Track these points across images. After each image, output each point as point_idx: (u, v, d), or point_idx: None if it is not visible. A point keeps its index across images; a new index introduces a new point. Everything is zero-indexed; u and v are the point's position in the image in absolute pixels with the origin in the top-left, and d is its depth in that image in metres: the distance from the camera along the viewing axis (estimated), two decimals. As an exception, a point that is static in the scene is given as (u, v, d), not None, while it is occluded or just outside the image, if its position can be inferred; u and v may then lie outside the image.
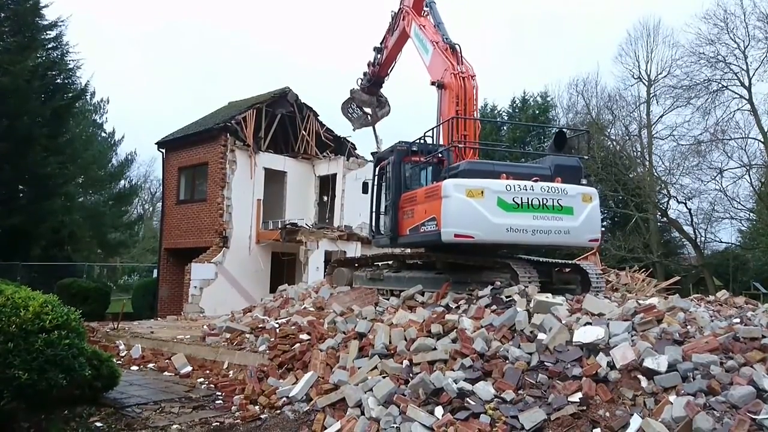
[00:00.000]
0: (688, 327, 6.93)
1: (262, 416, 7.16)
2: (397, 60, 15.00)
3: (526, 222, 9.31)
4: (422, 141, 11.29)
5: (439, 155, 10.81)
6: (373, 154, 13.24)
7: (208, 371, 9.79)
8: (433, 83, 11.58)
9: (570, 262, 12.62)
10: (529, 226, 9.33)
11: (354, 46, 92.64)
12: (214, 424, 6.96)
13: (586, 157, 10.78)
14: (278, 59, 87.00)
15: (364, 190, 12.33)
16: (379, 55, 15.03)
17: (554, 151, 10.57)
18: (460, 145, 10.64)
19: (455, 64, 11.22)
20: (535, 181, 9.57)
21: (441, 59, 11.47)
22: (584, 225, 9.59)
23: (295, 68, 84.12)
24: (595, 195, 9.88)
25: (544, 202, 9.40)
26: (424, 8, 12.94)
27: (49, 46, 23.93)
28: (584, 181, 10.13)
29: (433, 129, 11.25)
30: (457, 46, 11.62)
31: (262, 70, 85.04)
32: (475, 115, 11.10)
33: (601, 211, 11.87)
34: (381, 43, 14.93)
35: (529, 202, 9.34)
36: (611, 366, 6.16)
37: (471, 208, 9.15)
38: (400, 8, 13.66)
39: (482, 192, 9.21)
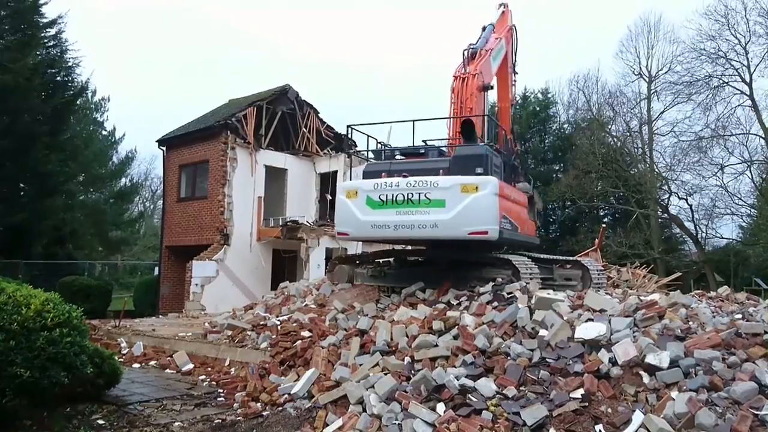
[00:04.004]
0: (690, 323, 6.93)
1: (264, 413, 7.18)
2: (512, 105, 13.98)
3: (389, 218, 9.52)
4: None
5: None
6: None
7: (209, 368, 9.80)
8: None
9: (571, 258, 12.64)
10: (392, 222, 9.50)
11: (354, 42, 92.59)
12: (215, 421, 6.97)
13: (489, 144, 10.15)
14: (277, 53, 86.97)
15: None
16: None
17: (463, 141, 10.29)
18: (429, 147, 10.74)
19: (463, 67, 11.31)
20: (404, 176, 9.60)
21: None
22: (460, 217, 9.09)
23: (294, 62, 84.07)
24: (485, 184, 9.18)
25: (409, 197, 9.41)
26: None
27: (49, 43, 23.88)
28: (479, 170, 9.46)
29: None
30: (479, 50, 11.68)
31: (261, 65, 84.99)
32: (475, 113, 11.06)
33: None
34: None
35: (393, 199, 9.50)
36: (613, 362, 6.17)
37: (347, 207, 9.93)
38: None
39: (356, 192, 9.87)
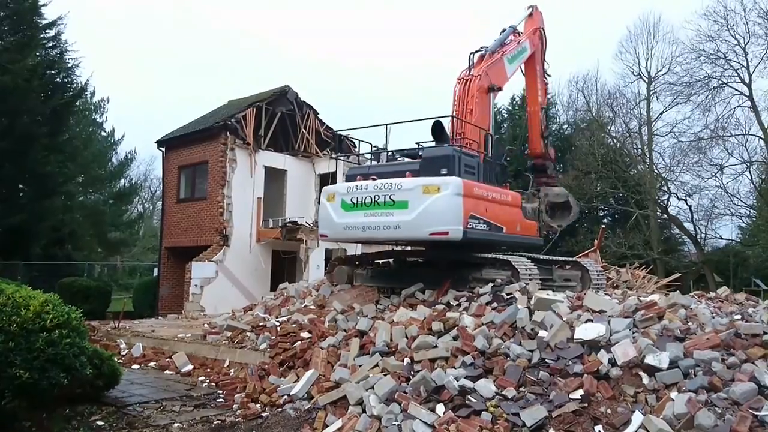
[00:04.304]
0: (690, 324, 6.93)
1: (264, 414, 7.17)
2: (543, 128, 13.44)
3: (358, 220, 9.87)
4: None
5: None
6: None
7: (209, 370, 9.80)
8: None
9: (570, 259, 12.63)
10: (360, 224, 9.85)
11: (354, 43, 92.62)
12: (215, 423, 6.97)
13: (456, 146, 10.10)
14: (277, 54, 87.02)
15: None
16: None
17: (435, 142, 10.39)
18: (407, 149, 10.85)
19: (468, 69, 11.34)
20: (373, 179, 9.90)
21: None
22: (422, 218, 9.20)
23: (294, 62, 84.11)
24: (446, 185, 9.17)
25: (376, 199, 9.68)
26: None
27: (48, 44, 23.88)
28: (444, 171, 9.48)
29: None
30: (490, 52, 11.72)
31: (260, 65, 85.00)
32: (472, 116, 11.04)
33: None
34: None
35: (362, 201, 9.83)
36: (612, 363, 6.17)
37: (327, 210, 10.39)
38: None
39: (333, 196, 10.28)
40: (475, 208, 9.46)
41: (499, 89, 11.77)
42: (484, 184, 10.21)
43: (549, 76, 14.03)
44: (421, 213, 9.20)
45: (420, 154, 10.58)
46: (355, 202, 9.95)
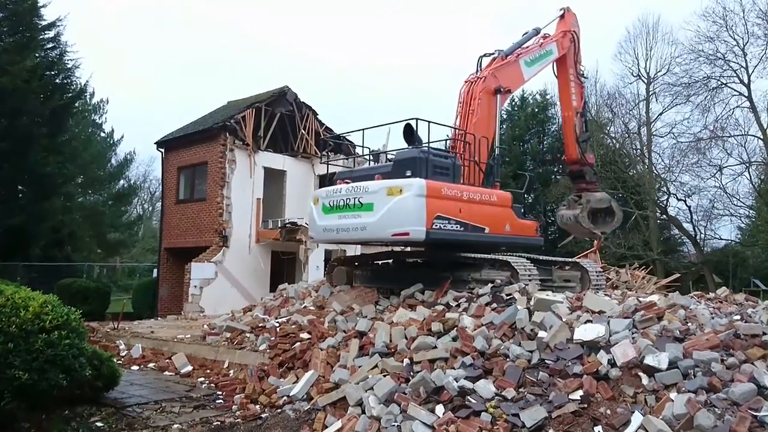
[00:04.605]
0: (689, 324, 6.93)
1: (263, 415, 7.17)
2: (579, 133, 13.16)
3: (334, 222, 10.24)
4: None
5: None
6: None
7: (208, 370, 9.79)
8: None
9: (570, 259, 12.62)
10: (335, 226, 10.22)
11: (354, 44, 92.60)
12: (214, 424, 6.97)
13: (424, 147, 10.19)
14: (277, 54, 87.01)
15: None
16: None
17: (407, 144, 10.50)
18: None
19: (476, 72, 11.34)
20: (346, 182, 10.20)
21: None
22: (385, 219, 9.36)
23: (294, 63, 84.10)
24: (409, 186, 9.24)
25: (347, 202, 10.00)
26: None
27: (48, 45, 23.91)
28: (408, 173, 9.59)
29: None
30: (502, 55, 11.72)
31: (260, 66, 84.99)
32: (473, 117, 11.02)
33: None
34: None
35: (337, 204, 10.18)
36: (612, 363, 6.17)
37: (312, 213, 10.87)
38: None
39: (317, 199, 10.78)
40: (443, 209, 9.49)
41: (508, 91, 11.69)
42: (460, 185, 10.18)
43: (585, 78, 13.71)
44: (385, 214, 9.40)
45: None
46: (332, 205, 10.30)
